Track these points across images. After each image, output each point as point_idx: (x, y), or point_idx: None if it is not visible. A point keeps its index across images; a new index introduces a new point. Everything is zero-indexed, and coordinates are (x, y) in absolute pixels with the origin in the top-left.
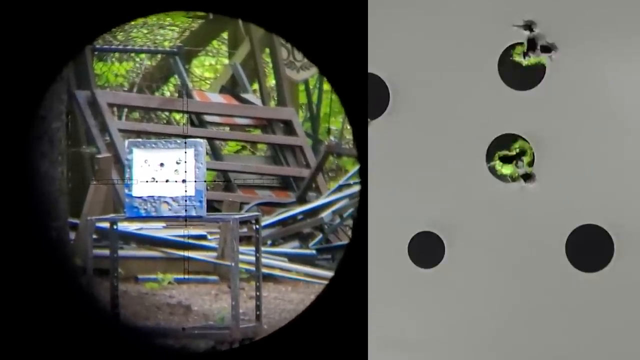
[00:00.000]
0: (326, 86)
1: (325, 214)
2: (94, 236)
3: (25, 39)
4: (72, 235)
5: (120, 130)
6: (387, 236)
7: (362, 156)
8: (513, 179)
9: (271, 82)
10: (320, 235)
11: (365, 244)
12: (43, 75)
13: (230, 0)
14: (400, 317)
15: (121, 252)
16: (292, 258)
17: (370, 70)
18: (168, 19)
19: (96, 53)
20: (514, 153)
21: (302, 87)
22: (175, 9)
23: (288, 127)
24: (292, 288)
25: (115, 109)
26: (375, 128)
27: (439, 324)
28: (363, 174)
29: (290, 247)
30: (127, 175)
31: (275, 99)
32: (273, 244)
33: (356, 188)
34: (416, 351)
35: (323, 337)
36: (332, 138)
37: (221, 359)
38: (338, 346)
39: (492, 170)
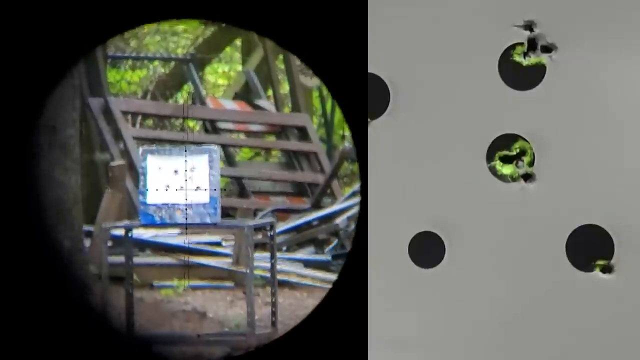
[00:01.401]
0: None
1: (340, 220)
2: (109, 243)
3: (33, 41)
4: (87, 242)
5: (134, 138)
6: (387, 236)
7: (362, 156)
8: (513, 179)
9: (285, 88)
10: (335, 241)
11: (365, 244)
12: (50, 77)
13: (227, 7)
14: (400, 317)
15: (136, 259)
16: (308, 264)
17: (370, 70)
18: (181, 26)
19: (109, 60)
20: (514, 153)
21: (316, 94)
22: (172, 18)
23: (302, 133)
24: (307, 294)
25: (129, 116)
26: (375, 128)
27: (439, 324)
28: (363, 174)
29: (305, 253)
30: (141, 183)
31: (289, 105)
32: (288, 250)
33: None
34: (416, 351)
35: (323, 337)
36: (346, 144)
37: None
38: (338, 346)
39: (493, 170)
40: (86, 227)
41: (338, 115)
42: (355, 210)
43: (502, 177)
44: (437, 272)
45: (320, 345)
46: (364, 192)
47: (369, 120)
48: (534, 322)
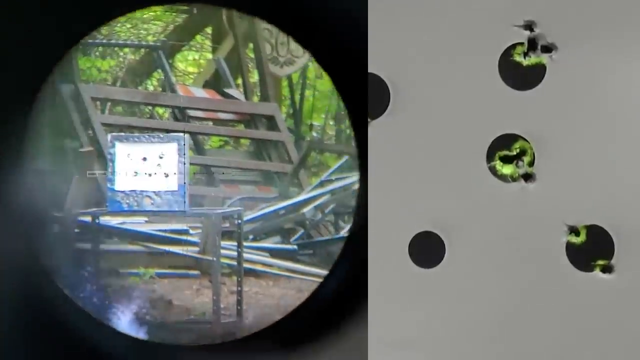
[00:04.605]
0: (309, 82)
1: (307, 210)
2: (76, 230)
3: (12, 40)
4: (54, 228)
5: (104, 124)
6: (387, 236)
7: (362, 156)
8: (513, 179)
9: (254, 77)
10: (301, 231)
11: (365, 244)
12: (30, 77)
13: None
14: (400, 316)
15: (103, 246)
16: (274, 253)
17: (370, 70)
18: (151, 13)
19: (79, 47)
20: (514, 153)
21: (285, 83)
22: (174, 2)
23: (271, 123)
24: (273, 283)
25: (98, 102)
26: (375, 128)
27: (439, 324)
28: (363, 173)
29: (271, 242)
30: (109, 169)
31: (259, 94)
32: (255, 239)
33: (338, 184)
34: (416, 351)
35: (323, 336)
36: (314, 134)
37: (202, 354)
38: (338, 346)
39: (493, 170)
40: (53, 213)
41: (307, 105)
42: (322, 200)
43: (502, 177)
44: (437, 272)
45: (319, 344)
46: (363, 192)
47: (369, 120)
48: (534, 322)
